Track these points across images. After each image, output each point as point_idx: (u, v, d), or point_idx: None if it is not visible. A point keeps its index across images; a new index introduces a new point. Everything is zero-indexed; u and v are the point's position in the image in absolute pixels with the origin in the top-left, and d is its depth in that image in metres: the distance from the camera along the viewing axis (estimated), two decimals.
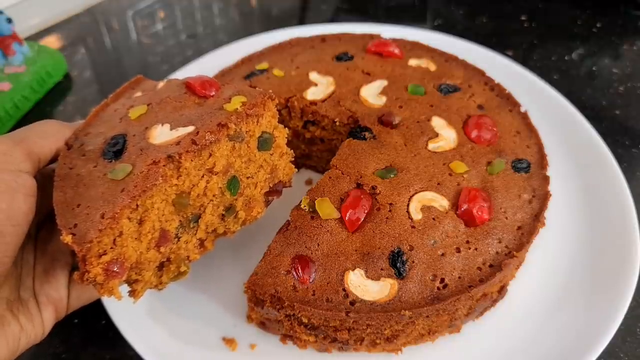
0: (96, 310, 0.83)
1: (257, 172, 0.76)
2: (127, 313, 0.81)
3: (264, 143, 0.75)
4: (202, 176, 0.68)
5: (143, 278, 0.68)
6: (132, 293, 0.69)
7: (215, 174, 0.69)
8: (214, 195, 0.71)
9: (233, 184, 0.72)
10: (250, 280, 0.72)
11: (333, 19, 1.59)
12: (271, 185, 0.79)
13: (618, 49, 1.42)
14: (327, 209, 0.76)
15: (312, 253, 0.74)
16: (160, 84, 0.81)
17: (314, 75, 0.99)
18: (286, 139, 0.79)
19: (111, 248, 0.61)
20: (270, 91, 0.74)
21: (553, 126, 1.05)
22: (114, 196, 0.61)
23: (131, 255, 0.63)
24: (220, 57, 1.20)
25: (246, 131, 0.71)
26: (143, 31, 1.53)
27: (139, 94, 0.80)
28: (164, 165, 0.63)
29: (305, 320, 0.71)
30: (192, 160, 0.65)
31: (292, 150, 0.80)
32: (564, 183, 0.97)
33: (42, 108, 1.28)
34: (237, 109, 0.69)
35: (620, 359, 0.81)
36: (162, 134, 0.68)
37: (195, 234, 0.72)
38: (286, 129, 0.78)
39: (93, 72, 1.39)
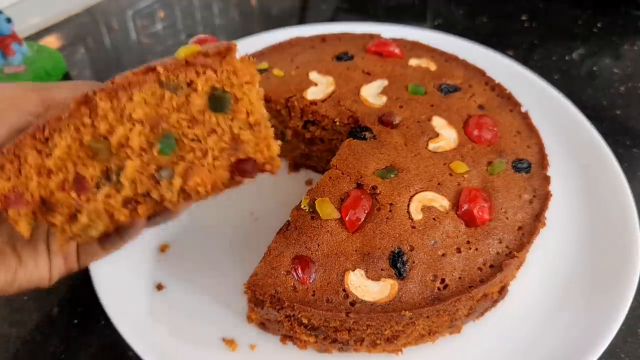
0: (96, 310, 0.83)
1: (206, 137, 0.65)
2: (126, 313, 0.81)
3: (218, 102, 0.64)
4: (123, 123, 0.62)
5: (56, 221, 0.65)
6: (55, 242, 0.68)
7: (138, 123, 0.62)
8: (142, 150, 0.64)
9: (165, 141, 0.64)
10: (250, 281, 0.72)
11: (333, 18, 1.58)
12: (234, 160, 0.67)
13: (619, 49, 1.41)
14: (327, 209, 0.76)
15: (312, 253, 0.73)
16: None
17: (314, 75, 0.99)
18: (263, 109, 0.67)
19: (15, 177, 0.61)
20: (234, 42, 0.64)
21: (554, 126, 1.05)
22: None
23: (34, 190, 0.62)
24: None
25: (188, 83, 0.63)
26: (143, 31, 1.52)
27: None
28: (77, 103, 0.61)
29: (305, 320, 0.71)
30: (109, 101, 0.61)
31: (271, 126, 0.69)
32: (565, 183, 0.97)
33: None
34: (185, 55, 0.63)
35: (621, 359, 0.81)
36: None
37: (120, 191, 0.65)
38: (259, 94, 0.66)
39: (92, 72, 1.38)
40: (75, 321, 0.85)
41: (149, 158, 0.64)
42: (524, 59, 1.37)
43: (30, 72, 1.25)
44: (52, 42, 1.47)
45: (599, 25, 1.50)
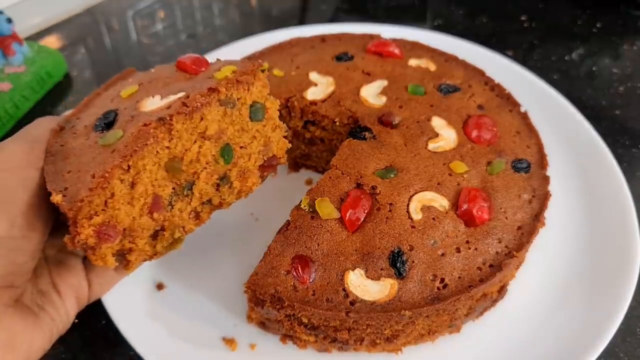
0: (96, 310, 0.82)
1: (250, 143, 0.75)
2: (127, 312, 0.81)
3: (256, 113, 0.75)
4: (195, 141, 0.68)
5: (137, 246, 0.67)
6: (127, 265, 0.69)
7: (208, 139, 0.69)
8: (207, 163, 0.70)
9: (226, 152, 0.72)
10: (251, 280, 0.72)
11: (333, 19, 1.58)
12: (265, 159, 0.78)
13: (618, 49, 1.42)
14: (327, 209, 0.76)
15: (312, 253, 0.73)
16: (152, 71, 0.82)
17: (314, 75, 0.99)
18: (278, 112, 0.79)
19: (102, 210, 0.61)
20: (260, 61, 0.74)
21: (553, 126, 1.05)
22: (105, 158, 0.62)
23: (123, 219, 0.63)
24: (220, 57, 1.19)
25: (237, 98, 0.71)
26: (143, 31, 1.52)
27: (130, 81, 0.81)
28: (154, 128, 0.63)
29: (305, 320, 0.71)
30: (183, 123, 0.66)
31: (284, 124, 0.80)
32: (564, 183, 0.97)
33: (42, 108, 1.28)
34: (227, 76, 0.70)
35: (620, 359, 0.81)
36: (152, 104, 0.69)
37: (190, 203, 0.72)
38: (277, 101, 0.78)
39: (93, 72, 1.38)
40: (76, 321, 0.84)
41: (213, 169, 0.72)
42: (524, 59, 1.37)
43: (30, 73, 1.25)
44: (52, 42, 1.47)
45: (598, 25, 1.50)
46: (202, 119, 0.68)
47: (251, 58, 1.07)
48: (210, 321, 0.82)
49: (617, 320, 0.76)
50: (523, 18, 1.55)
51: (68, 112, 0.77)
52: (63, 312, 0.69)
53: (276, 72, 1.00)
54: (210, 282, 0.87)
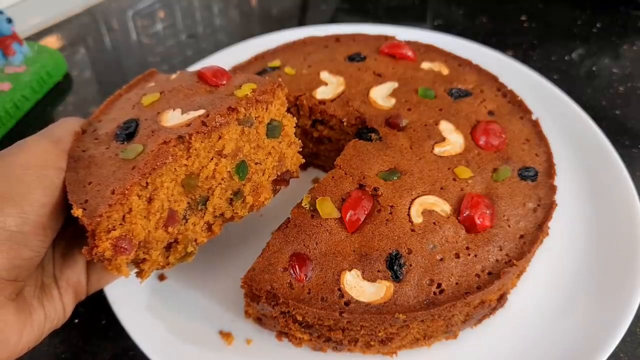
0: (96, 310, 0.84)
1: (265, 159, 0.77)
2: (127, 303, 0.82)
3: (273, 130, 0.76)
4: (212, 159, 0.70)
5: (150, 257, 0.69)
6: (140, 273, 0.70)
7: (224, 157, 0.71)
8: (222, 179, 0.72)
9: (241, 169, 0.73)
10: (247, 276, 0.73)
11: (333, 19, 1.58)
12: (279, 174, 0.80)
13: (618, 49, 1.41)
14: (327, 209, 0.76)
15: (310, 251, 0.74)
16: (173, 76, 0.83)
17: (324, 75, 0.99)
18: (294, 129, 0.80)
19: (120, 224, 0.62)
20: (280, 80, 0.75)
21: (564, 134, 1.04)
22: (125, 174, 0.63)
23: (139, 232, 0.65)
24: (232, 55, 1.20)
25: (255, 117, 0.73)
26: (143, 31, 1.53)
27: (152, 84, 0.82)
28: (174, 145, 0.65)
29: (299, 318, 0.72)
30: (201, 142, 0.67)
31: (300, 140, 0.81)
32: (573, 191, 0.95)
33: (42, 108, 1.29)
34: (247, 94, 0.72)
35: (620, 359, 0.80)
36: (173, 118, 0.70)
37: (203, 217, 0.73)
38: (294, 118, 0.80)
39: (93, 72, 1.39)
40: (76, 321, 0.86)
41: (227, 184, 0.73)
42: (524, 59, 1.36)
43: (31, 73, 1.26)
44: (52, 42, 1.48)
45: (598, 25, 1.49)
46: (220, 137, 0.69)
47: (264, 55, 1.08)
48: (208, 314, 0.83)
49: (618, 336, 0.75)
50: (523, 18, 1.54)
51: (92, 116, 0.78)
52: (59, 307, 0.69)
53: (288, 70, 1.01)
54: (211, 276, 0.88)
